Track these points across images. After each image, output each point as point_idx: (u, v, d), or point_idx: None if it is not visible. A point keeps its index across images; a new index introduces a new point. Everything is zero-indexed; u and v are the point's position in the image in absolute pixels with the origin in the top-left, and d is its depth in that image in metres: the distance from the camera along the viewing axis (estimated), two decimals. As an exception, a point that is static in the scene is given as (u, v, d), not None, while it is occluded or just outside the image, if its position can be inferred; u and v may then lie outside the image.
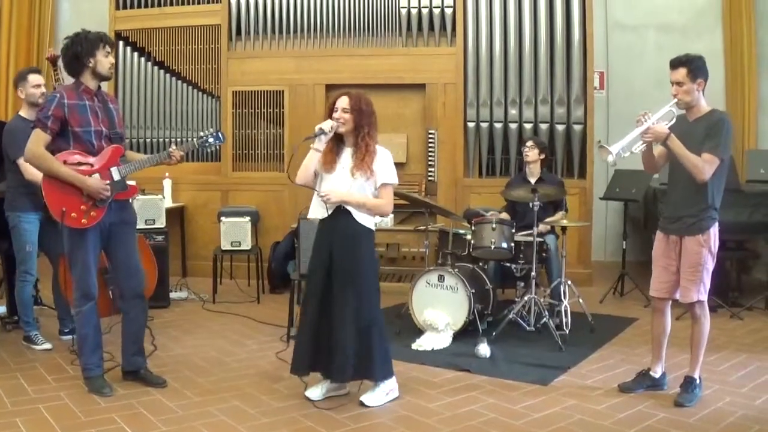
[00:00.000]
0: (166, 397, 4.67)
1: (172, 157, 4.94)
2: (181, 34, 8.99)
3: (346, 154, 4.57)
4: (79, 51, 4.58)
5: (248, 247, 7.81)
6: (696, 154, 4.43)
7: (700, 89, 4.53)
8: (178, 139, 8.86)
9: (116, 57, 9.05)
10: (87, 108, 4.62)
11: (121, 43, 9.04)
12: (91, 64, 4.61)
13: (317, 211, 4.60)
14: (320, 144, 4.49)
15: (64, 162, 4.54)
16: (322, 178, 4.56)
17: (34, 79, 5.62)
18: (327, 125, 4.46)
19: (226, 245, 7.76)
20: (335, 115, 4.50)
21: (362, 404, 4.56)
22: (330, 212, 4.50)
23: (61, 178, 4.52)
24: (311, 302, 4.60)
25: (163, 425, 4.19)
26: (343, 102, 4.51)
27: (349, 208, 4.50)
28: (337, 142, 4.58)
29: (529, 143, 7.07)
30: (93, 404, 4.49)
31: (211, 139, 5.19)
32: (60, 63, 5.57)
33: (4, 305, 6.45)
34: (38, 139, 4.49)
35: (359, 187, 4.51)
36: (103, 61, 4.65)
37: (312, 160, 4.53)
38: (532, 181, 6.87)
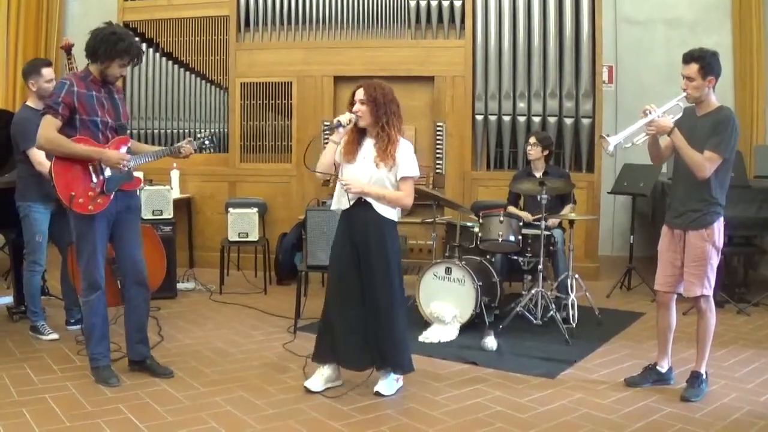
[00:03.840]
0: (173, 387, 4.68)
1: (182, 152, 5.00)
2: (190, 25, 8.98)
3: (368, 144, 4.56)
4: (98, 49, 4.61)
5: (255, 239, 7.81)
6: (700, 150, 4.42)
7: (711, 86, 4.49)
8: (186, 131, 8.86)
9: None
10: (94, 98, 4.65)
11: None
12: (103, 65, 4.64)
13: (340, 202, 4.60)
14: (337, 136, 4.49)
15: None
16: (343, 168, 4.56)
17: (48, 73, 5.62)
18: (345, 118, 4.46)
19: (233, 236, 7.76)
20: (354, 108, 4.50)
21: (378, 394, 4.58)
22: (352, 203, 4.50)
23: (79, 155, 4.57)
24: (337, 293, 4.62)
25: (170, 415, 4.20)
26: (360, 94, 4.50)
27: (369, 199, 4.50)
28: (360, 132, 4.58)
29: (532, 140, 7.02)
30: (99, 394, 4.50)
31: (207, 142, 5.28)
32: (74, 51, 5.62)
33: (11, 295, 6.46)
34: (50, 124, 4.51)
35: (380, 178, 4.50)
36: (115, 70, 4.67)
37: (330, 152, 4.53)
38: (538, 176, 6.83)
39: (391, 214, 4.58)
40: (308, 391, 4.62)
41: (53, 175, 4.57)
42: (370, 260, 4.52)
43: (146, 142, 8.82)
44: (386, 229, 4.57)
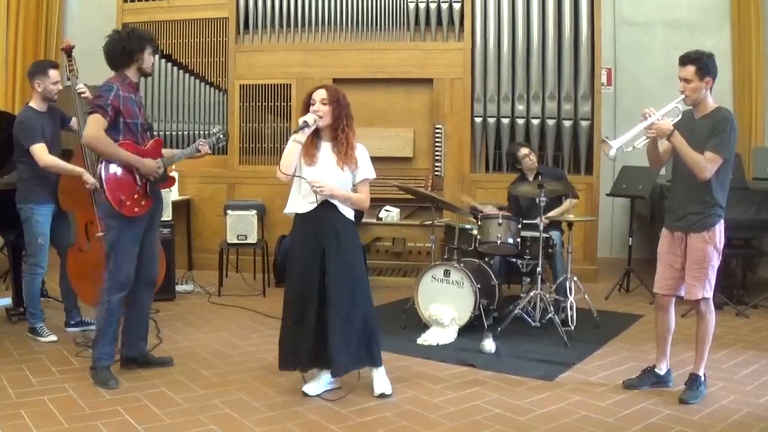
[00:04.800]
0: (171, 389, 4.68)
1: (200, 150, 5.17)
2: (189, 27, 8.99)
3: (326, 148, 4.57)
4: (129, 47, 4.77)
5: (254, 241, 7.81)
6: (700, 152, 4.42)
7: (708, 87, 4.50)
8: (185, 133, 8.88)
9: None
10: (133, 101, 4.82)
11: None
12: (138, 61, 4.81)
13: (298, 206, 4.58)
14: (303, 136, 4.46)
15: None
16: (302, 171, 4.51)
17: (54, 75, 5.63)
18: (310, 118, 4.44)
19: (232, 238, 7.76)
20: (313, 107, 4.49)
21: (383, 395, 4.59)
22: (318, 204, 4.48)
23: (121, 160, 4.72)
24: (303, 297, 4.56)
25: (168, 417, 4.20)
26: (321, 94, 4.51)
27: (334, 201, 4.51)
28: (314, 135, 4.56)
29: (526, 150, 7.04)
30: (98, 396, 4.50)
31: (221, 136, 5.44)
32: (74, 53, 5.65)
33: (9, 297, 6.46)
34: (98, 124, 4.63)
35: (345, 180, 4.54)
36: (149, 59, 4.87)
37: (295, 152, 4.44)
38: (531, 179, 6.86)
39: (351, 215, 4.63)
40: (306, 395, 4.62)
41: (103, 179, 4.69)
42: (343, 260, 4.52)
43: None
44: (353, 229, 4.65)
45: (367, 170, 4.62)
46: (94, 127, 4.61)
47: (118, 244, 4.76)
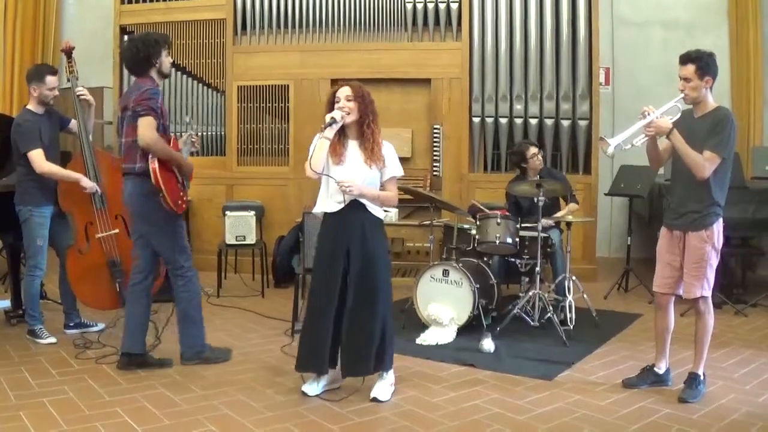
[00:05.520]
0: (171, 390, 4.67)
1: (195, 144, 5.40)
2: (187, 29, 9.00)
3: (353, 146, 4.54)
4: (146, 52, 4.95)
5: (253, 242, 7.81)
6: (699, 151, 4.42)
7: (708, 86, 4.50)
8: (181, 134, 8.86)
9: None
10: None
11: (126, 37, 9.03)
12: (157, 64, 4.98)
13: (326, 205, 4.56)
14: (331, 132, 4.44)
15: None
16: (330, 171, 4.50)
17: (51, 81, 5.63)
18: (338, 114, 4.42)
19: (230, 239, 7.76)
20: (338, 105, 4.48)
21: (376, 399, 4.54)
22: (346, 203, 4.46)
23: (173, 159, 4.97)
24: (326, 297, 4.55)
25: (167, 418, 4.20)
26: (346, 91, 4.50)
27: (363, 200, 4.49)
28: (340, 134, 4.55)
29: (535, 150, 6.97)
30: (97, 398, 4.50)
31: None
32: (74, 55, 5.69)
33: (8, 299, 6.45)
34: (153, 126, 4.81)
35: (373, 179, 4.52)
36: (166, 60, 5.08)
37: (324, 148, 4.42)
38: (532, 179, 6.80)
39: (381, 213, 4.62)
40: (305, 395, 4.62)
41: (161, 181, 4.82)
42: (366, 261, 4.50)
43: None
44: (380, 230, 4.61)
45: (394, 168, 4.61)
46: (150, 130, 4.79)
47: (175, 239, 5.08)
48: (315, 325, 4.58)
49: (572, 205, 6.85)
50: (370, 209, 4.53)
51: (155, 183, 4.81)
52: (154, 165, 4.80)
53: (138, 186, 4.93)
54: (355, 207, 4.49)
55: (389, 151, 4.60)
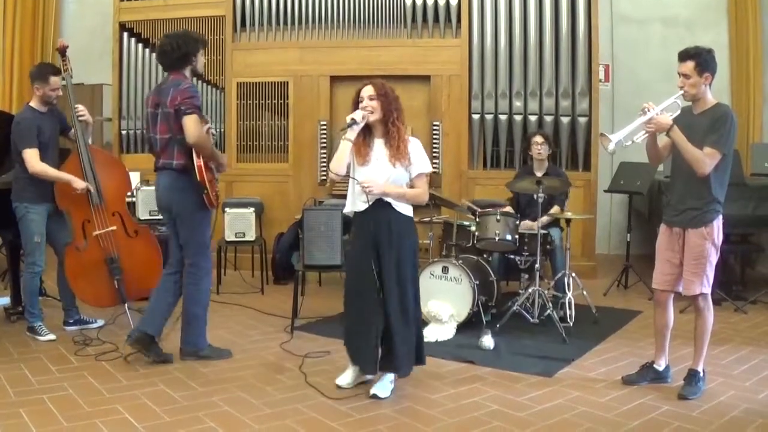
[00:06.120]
0: (171, 387, 4.67)
1: (212, 138, 5.39)
2: (186, 26, 8.93)
3: (378, 145, 4.53)
4: (185, 49, 5.01)
5: (252, 238, 7.81)
6: (699, 147, 4.42)
7: (707, 83, 4.50)
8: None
9: (120, 48, 9.06)
10: None
11: (125, 34, 9.05)
12: (193, 63, 5.08)
13: (355, 204, 4.56)
14: (352, 134, 4.43)
15: None
16: (355, 171, 4.50)
17: (54, 82, 5.64)
18: (358, 115, 4.41)
19: (230, 236, 7.76)
20: (362, 104, 4.46)
21: (375, 396, 4.54)
22: (370, 203, 4.44)
23: (215, 157, 5.14)
24: (359, 295, 4.56)
25: (167, 415, 4.20)
26: (369, 90, 4.48)
27: (388, 199, 4.48)
28: (366, 133, 4.54)
29: (539, 139, 6.95)
30: (97, 395, 4.50)
31: None
32: (69, 53, 5.68)
33: (8, 296, 6.45)
34: (199, 124, 4.92)
35: (398, 177, 4.49)
36: (201, 60, 5.16)
37: (345, 150, 4.42)
38: (539, 175, 6.75)
39: (410, 211, 4.59)
40: (339, 387, 4.66)
41: (207, 181, 4.93)
42: (394, 259, 4.49)
43: (142, 143, 8.84)
44: (410, 227, 4.59)
45: (422, 164, 4.58)
46: (199, 128, 4.88)
47: (206, 234, 5.18)
48: (353, 324, 4.64)
49: (556, 208, 6.82)
50: (396, 207, 4.51)
51: (200, 180, 4.89)
52: (199, 162, 4.88)
53: (174, 180, 5.00)
54: (381, 206, 4.48)
55: (416, 148, 4.57)
